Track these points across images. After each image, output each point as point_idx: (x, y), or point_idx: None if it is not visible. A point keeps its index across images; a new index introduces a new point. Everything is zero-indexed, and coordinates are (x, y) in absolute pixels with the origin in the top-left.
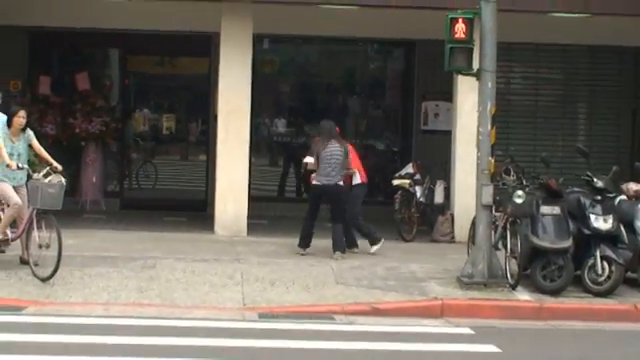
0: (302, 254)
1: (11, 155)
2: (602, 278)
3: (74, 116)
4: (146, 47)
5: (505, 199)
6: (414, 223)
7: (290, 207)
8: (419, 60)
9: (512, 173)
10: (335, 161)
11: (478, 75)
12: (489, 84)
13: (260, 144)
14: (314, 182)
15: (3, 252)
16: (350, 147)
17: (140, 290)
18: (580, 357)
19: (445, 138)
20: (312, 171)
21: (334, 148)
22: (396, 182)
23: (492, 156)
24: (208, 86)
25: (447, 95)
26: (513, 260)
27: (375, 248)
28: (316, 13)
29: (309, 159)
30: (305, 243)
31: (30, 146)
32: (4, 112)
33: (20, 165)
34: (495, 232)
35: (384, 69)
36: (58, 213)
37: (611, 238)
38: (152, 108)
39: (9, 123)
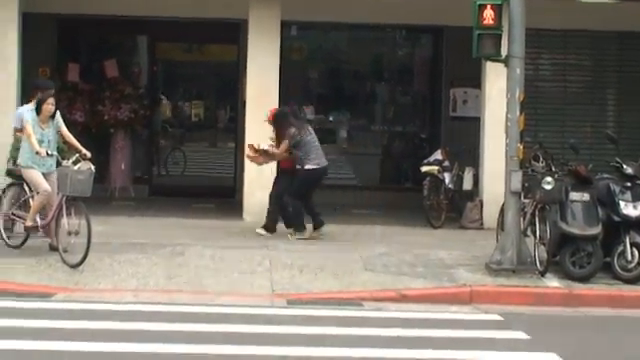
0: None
1: (40, 142)
2: (632, 265)
3: (103, 103)
4: (174, 34)
5: (534, 185)
6: (443, 210)
7: (319, 194)
8: (447, 46)
9: (541, 159)
10: (319, 143)
11: (506, 61)
12: (517, 70)
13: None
14: (310, 166)
15: (36, 233)
16: None
17: (169, 277)
18: (609, 344)
19: (474, 125)
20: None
21: (312, 131)
22: (425, 169)
23: (521, 142)
24: (236, 73)
25: (475, 82)
26: (542, 247)
27: (263, 232)
28: (344, 0)
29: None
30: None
31: (59, 133)
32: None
33: (49, 152)
34: (524, 219)
35: (412, 56)
36: (87, 200)
37: None
38: (180, 95)
39: (38, 110)
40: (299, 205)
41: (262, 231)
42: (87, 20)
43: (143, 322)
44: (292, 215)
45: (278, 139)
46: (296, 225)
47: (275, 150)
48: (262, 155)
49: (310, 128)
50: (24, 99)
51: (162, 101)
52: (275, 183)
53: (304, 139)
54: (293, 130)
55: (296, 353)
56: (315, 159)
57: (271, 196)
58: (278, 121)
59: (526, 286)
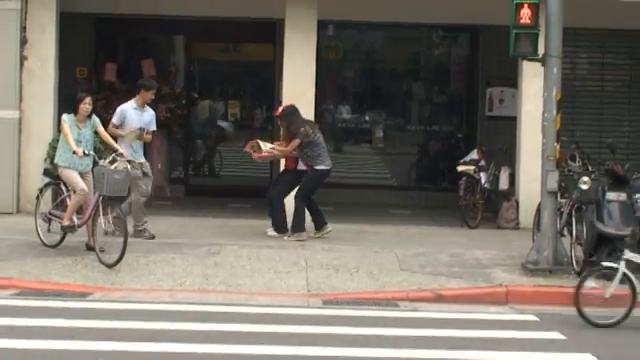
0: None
1: (78, 142)
2: None
3: None
4: (211, 34)
5: (570, 185)
6: (479, 209)
7: (355, 194)
8: (484, 46)
9: (577, 159)
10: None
11: (543, 60)
12: (554, 69)
13: (324, 130)
14: (322, 167)
15: (73, 232)
16: None
17: (205, 277)
18: None
19: (510, 124)
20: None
21: (320, 133)
22: (461, 168)
23: (557, 142)
24: (273, 72)
25: (512, 81)
26: (578, 247)
27: (273, 233)
28: None
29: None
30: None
31: (96, 133)
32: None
33: (86, 152)
34: (560, 218)
35: (448, 55)
36: (124, 199)
37: None
38: (217, 94)
39: (75, 110)
40: (304, 208)
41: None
42: (124, 20)
43: (178, 322)
44: (295, 217)
45: (285, 136)
46: (298, 227)
47: (283, 148)
48: (266, 152)
49: (319, 129)
50: (61, 99)
51: (198, 100)
52: (278, 183)
53: (317, 139)
54: (307, 128)
55: (331, 353)
56: (325, 160)
57: (271, 196)
58: (287, 118)
59: (562, 286)
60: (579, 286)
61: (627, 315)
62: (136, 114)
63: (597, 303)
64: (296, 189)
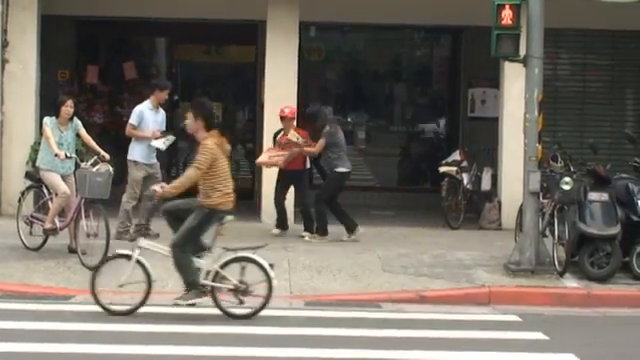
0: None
1: (59, 144)
2: None
3: (122, 105)
4: (193, 36)
5: (552, 186)
6: (461, 210)
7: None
8: (465, 47)
9: (559, 160)
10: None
11: (525, 61)
12: (536, 70)
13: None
14: (343, 169)
15: (55, 235)
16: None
17: None
18: (628, 344)
19: (492, 125)
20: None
21: (341, 133)
22: (443, 169)
23: (539, 143)
24: (255, 74)
25: (494, 82)
26: (561, 247)
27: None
28: (362, 0)
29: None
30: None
31: (78, 135)
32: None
33: (68, 154)
34: (542, 219)
35: (430, 56)
36: (106, 202)
37: None
38: (199, 96)
39: (57, 113)
40: (325, 211)
41: (311, 237)
42: (106, 22)
43: (161, 324)
44: (319, 221)
45: (312, 137)
46: (323, 231)
47: (311, 148)
48: (287, 149)
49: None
50: (43, 101)
51: (179, 103)
52: (285, 186)
53: (341, 139)
54: (329, 129)
55: (314, 355)
56: (346, 162)
57: (282, 201)
58: (314, 117)
59: (545, 287)
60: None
61: (143, 303)
62: (152, 115)
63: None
64: (316, 193)
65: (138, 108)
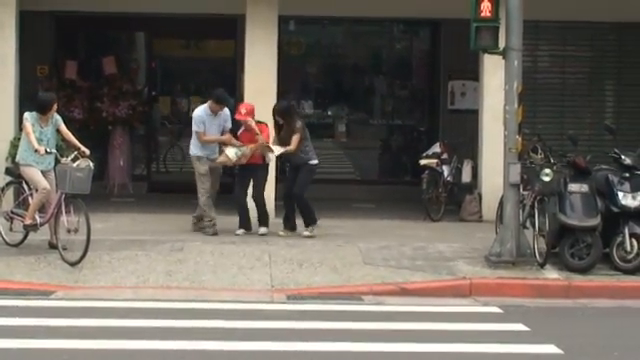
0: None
1: (40, 140)
2: (631, 255)
3: (101, 100)
4: (172, 30)
5: (533, 177)
6: (442, 203)
7: (318, 188)
8: (445, 39)
9: (539, 151)
10: None
11: (504, 54)
12: (515, 62)
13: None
14: (316, 161)
15: (35, 231)
16: None
17: (168, 273)
18: (608, 335)
19: (472, 117)
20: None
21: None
22: (423, 162)
23: (519, 134)
24: (234, 68)
25: (473, 74)
26: (541, 238)
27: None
28: None
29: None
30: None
31: (58, 131)
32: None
33: (48, 150)
34: (523, 211)
35: (410, 49)
36: (86, 197)
37: (639, 215)
38: (179, 91)
39: (45, 111)
40: (306, 201)
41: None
42: (85, 17)
43: (142, 319)
44: (304, 212)
45: (287, 133)
46: (311, 220)
47: (289, 147)
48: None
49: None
50: (22, 96)
51: (157, 97)
52: (246, 182)
53: (307, 134)
54: (301, 124)
55: (296, 348)
56: (314, 154)
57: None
58: (286, 113)
59: (525, 278)
60: None
61: None
62: (210, 119)
63: None
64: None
65: (196, 113)
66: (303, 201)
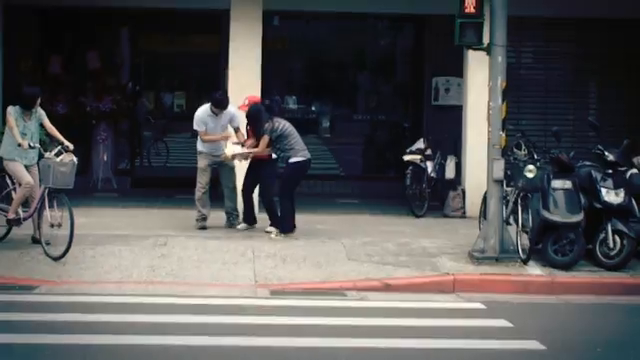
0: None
1: (23, 134)
2: (614, 252)
3: (85, 95)
4: (156, 25)
5: (516, 173)
6: (425, 199)
7: (302, 184)
8: (429, 35)
9: (523, 147)
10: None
11: (488, 50)
12: (499, 59)
13: None
14: (298, 159)
15: (18, 225)
16: None
17: (152, 268)
18: (591, 331)
19: (456, 113)
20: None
21: (288, 122)
22: (407, 158)
23: (503, 130)
24: (219, 63)
25: (457, 70)
26: (525, 235)
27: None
28: None
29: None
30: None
31: (42, 125)
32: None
33: (32, 144)
34: (506, 207)
35: (394, 45)
36: (70, 192)
37: (622, 212)
38: (163, 86)
39: (30, 105)
40: (290, 207)
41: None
42: (69, 11)
43: (126, 314)
44: (282, 217)
45: (253, 135)
46: (287, 227)
47: (256, 149)
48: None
49: (285, 120)
50: (5, 91)
51: (140, 92)
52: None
53: (285, 131)
54: (267, 125)
55: (279, 344)
56: (300, 151)
57: (243, 192)
58: (252, 118)
59: (509, 274)
60: None
61: None
62: (211, 119)
63: None
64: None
65: (197, 113)
66: (273, 204)
